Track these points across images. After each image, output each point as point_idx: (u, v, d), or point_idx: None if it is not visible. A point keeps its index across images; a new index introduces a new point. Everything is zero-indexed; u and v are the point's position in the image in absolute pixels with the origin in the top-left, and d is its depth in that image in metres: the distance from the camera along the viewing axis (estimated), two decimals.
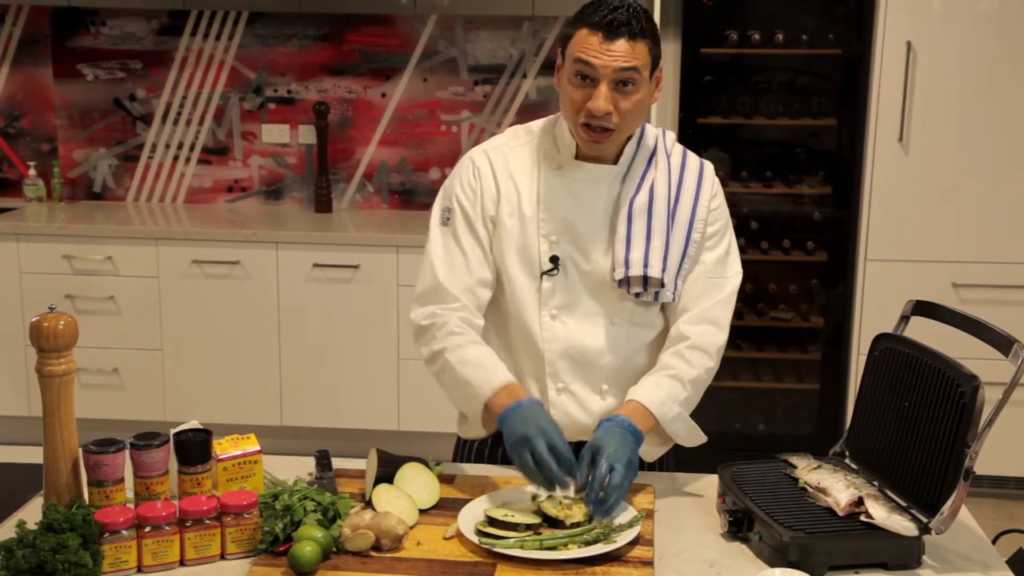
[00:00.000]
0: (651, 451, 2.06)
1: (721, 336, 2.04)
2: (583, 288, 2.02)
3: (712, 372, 2.03)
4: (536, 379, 2.06)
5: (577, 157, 2.02)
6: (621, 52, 1.87)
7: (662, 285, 1.99)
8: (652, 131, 2.08)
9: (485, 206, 2.03)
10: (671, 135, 2.11)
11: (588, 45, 1.88)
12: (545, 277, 2.01)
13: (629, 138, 2.02)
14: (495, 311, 2.09)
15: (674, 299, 2.02)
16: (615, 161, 2.03)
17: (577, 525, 1.75)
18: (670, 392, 1.96)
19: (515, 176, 2.04)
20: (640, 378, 2.01)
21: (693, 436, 2.03)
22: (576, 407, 2.05)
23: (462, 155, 2.17)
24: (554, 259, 2.01)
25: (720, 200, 2.08)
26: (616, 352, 2.04)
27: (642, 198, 2.00)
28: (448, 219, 2.06)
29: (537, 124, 2.10)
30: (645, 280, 1.98)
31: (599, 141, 1.94)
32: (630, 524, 1.74)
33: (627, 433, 1.86)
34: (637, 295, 2.00)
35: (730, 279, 2.07)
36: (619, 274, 1.98)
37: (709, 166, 2.10)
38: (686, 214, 2.02)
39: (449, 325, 1.99)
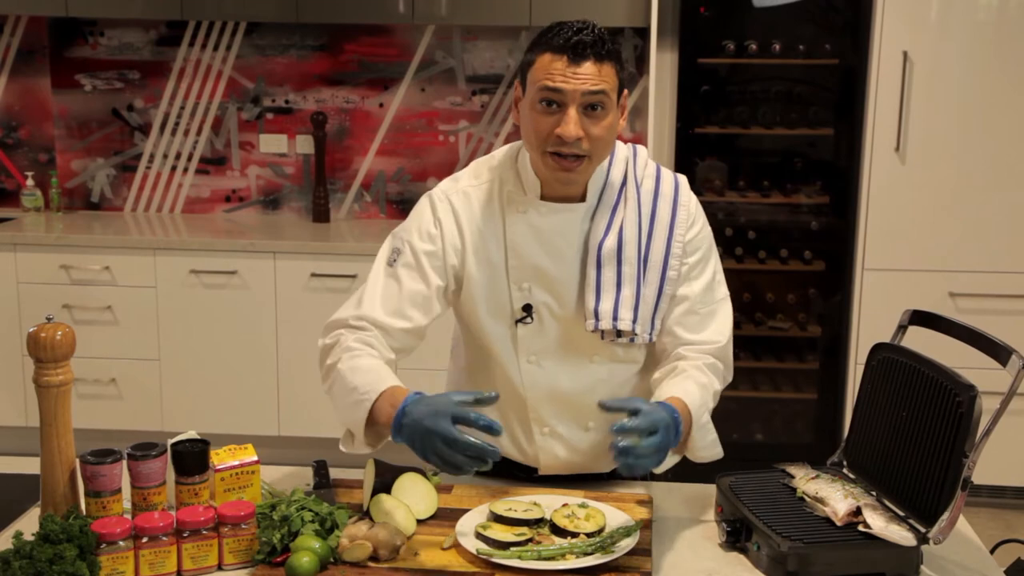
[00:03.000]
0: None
1: (728, 370, 1.99)
2: (559, 332, 1.96)
3: (718, 396, 1.98)
4: (520, 423, 2.02)
5: (543, 197, 1.93)
6: (588, 75, 1.79)
7: (635, 333, 1.94)
8: (621, 154, 1.98)
9: (447, 253, 1.94)
10: (643, 152, 2.01)
11: (553, 70, 1.80)
12: (520, 325, 1.96)
13: (596, 171, 1.92)
14: (477, 358, 2.03)
15: (651, 340, 1.97)
16: (582, 198, 1.93)
17: (574, 536, 1.74)
18: (704, 400, 1.89)
19: (479, 222, 1.95)
20: None
21: (715, 448, 1.92)
22: (562, 447, 2.03)
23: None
24: (527, 307, 1.94)
25: (699, 226, 1.98)
26: (599, 390, 1.96)
27: (611, 241, 1.91)
28: (394, 260, 1.96)
29: (498, 157, 2.01)
30: (618, 330, 1.92)
31: (570, 170, 1.84)
32: (628, 534, 1.74)
33: (671, 416, 1.74)
34: (614, 340, 1.95)
35: (720, 303, 2.00)
36: (590, 326, 1.92)
37: (684, 185, 2.00)
38: (660, 252, 1.94)
39: (348, 342, 1.88)
